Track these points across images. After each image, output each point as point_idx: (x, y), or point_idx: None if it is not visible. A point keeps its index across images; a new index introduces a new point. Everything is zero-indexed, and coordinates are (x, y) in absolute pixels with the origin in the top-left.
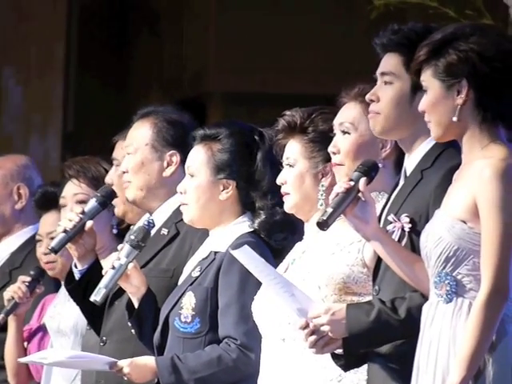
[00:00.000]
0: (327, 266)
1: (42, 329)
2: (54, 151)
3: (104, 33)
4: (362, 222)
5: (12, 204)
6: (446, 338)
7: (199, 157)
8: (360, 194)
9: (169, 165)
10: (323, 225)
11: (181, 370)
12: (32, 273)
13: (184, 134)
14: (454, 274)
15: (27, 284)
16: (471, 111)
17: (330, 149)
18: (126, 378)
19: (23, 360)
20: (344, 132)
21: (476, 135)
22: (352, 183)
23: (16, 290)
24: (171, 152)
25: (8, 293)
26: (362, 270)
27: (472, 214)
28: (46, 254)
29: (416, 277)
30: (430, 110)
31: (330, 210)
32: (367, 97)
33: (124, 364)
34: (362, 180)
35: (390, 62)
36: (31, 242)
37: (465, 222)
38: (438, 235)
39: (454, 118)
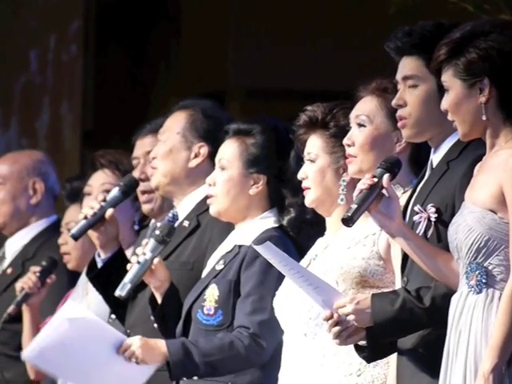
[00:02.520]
0: (343, 260)
1: None
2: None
3: (121, 26)
4: (386, 218)
5: (27, 198)
6: (478, 329)
7: (232, 150)
8: (384, 191)
9: (196, 156)
10: (348, 221)
11: (192, 353)
12: (44, 263)
13: (218, 129)
14: (485, 265)
15: (38, 274)
16: (495, 108)
17: (345, 141)
18: (133, 360)
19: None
20: (360, 125)
21: (500, 131)
22: (375, 180)
23: (26, 280)
24: (200, 144)
25: (19, 283)
26: (379, 263)
27: (500, 204)
28: (62, 245)
29: (441, 271)
30: (454, 110)
31: (354, 206)
32: (393, 103)
33: (134, 342)
34: (386, 176)
35: (410, 66)
36: (44, 234)
37: (495, 212)
38: (468, 226)
39: (483, 117)
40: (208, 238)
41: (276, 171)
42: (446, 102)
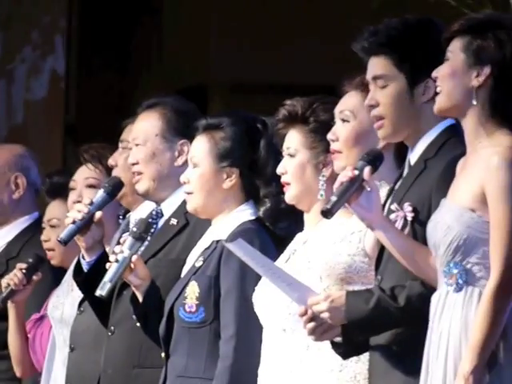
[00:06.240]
0: (328, 256)
1: (41, 318)
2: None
3: (103, 18)
4: (366, 211)
5: (9, 194)
6: (458, 326)
7: (202, 146)
8: (364, 183)
9: (180, 154)
10: (327, 213)
11: None
12: (30, 260)
13: (192, 123)
14: (463, 263)
15: (24, 271)
16: (485, 98)
17: (329, 136)
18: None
19: None
20: (344, 120)
21: (483, 122)
22: (356, 172)
23: (12, 276)
24: (182, 141)
25: (5, 280)
26: (364, 260)
27: (480, 203)
28: (46, 242)
29: (420, 266)
30: (444, 79)
31: (334, 198)
32: (366, 103)
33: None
34: (367, 169)
35: (379, 65)
36: (28, 232)
37: (473, 211)
38: (446, 224)
39: (474, 102)
40: (199, 235)
41: (248, 163)
42: (440, 69)
